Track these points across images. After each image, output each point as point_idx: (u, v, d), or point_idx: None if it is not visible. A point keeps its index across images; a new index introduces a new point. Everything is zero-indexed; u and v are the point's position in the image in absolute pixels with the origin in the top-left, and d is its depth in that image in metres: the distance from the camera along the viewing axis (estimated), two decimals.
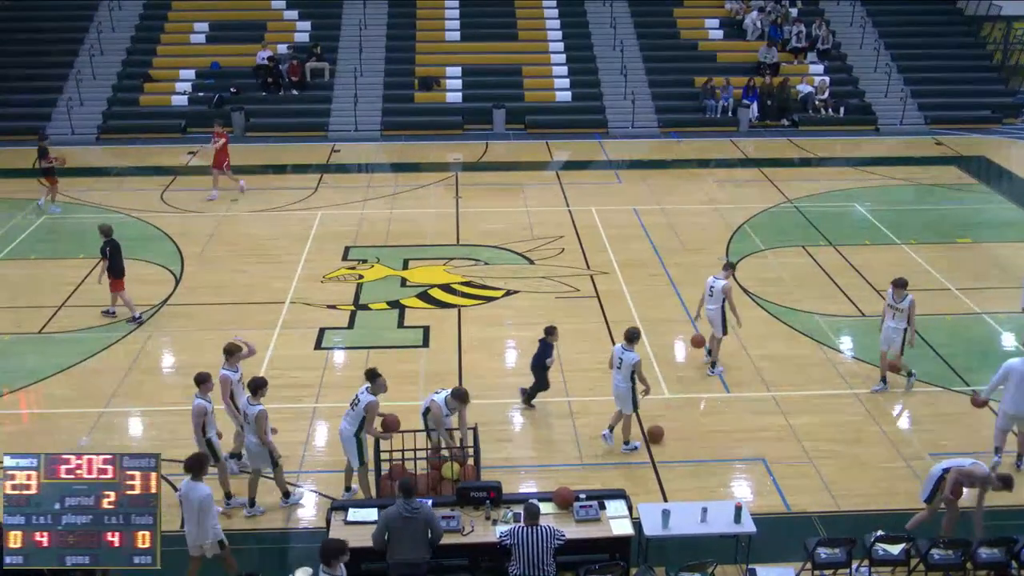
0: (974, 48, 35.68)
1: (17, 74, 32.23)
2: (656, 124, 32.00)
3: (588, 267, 20.49)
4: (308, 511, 12.75)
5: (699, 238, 22.10)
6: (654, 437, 14.05)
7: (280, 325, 17.81)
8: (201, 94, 32.01)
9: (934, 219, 23.62)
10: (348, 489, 12.85)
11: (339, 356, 16.86)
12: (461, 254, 21.22)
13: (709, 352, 16.29)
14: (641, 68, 33.75)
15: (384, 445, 12.24)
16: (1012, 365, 13.15)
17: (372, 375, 12.33)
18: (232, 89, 32.12)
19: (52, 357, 16.63)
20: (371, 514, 10.99)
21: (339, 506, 11.47)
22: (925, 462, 13.61)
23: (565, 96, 32.86)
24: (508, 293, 19.24)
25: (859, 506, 12.78)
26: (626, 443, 13.98)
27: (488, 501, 11.28)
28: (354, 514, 11.17)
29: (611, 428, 14.11)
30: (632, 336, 13.69)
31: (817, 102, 32.43)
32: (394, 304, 18.78)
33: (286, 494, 12.75)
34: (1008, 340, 17.50)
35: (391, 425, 12.47)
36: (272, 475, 12.66)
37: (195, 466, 10.72)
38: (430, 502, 10.85)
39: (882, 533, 11.17)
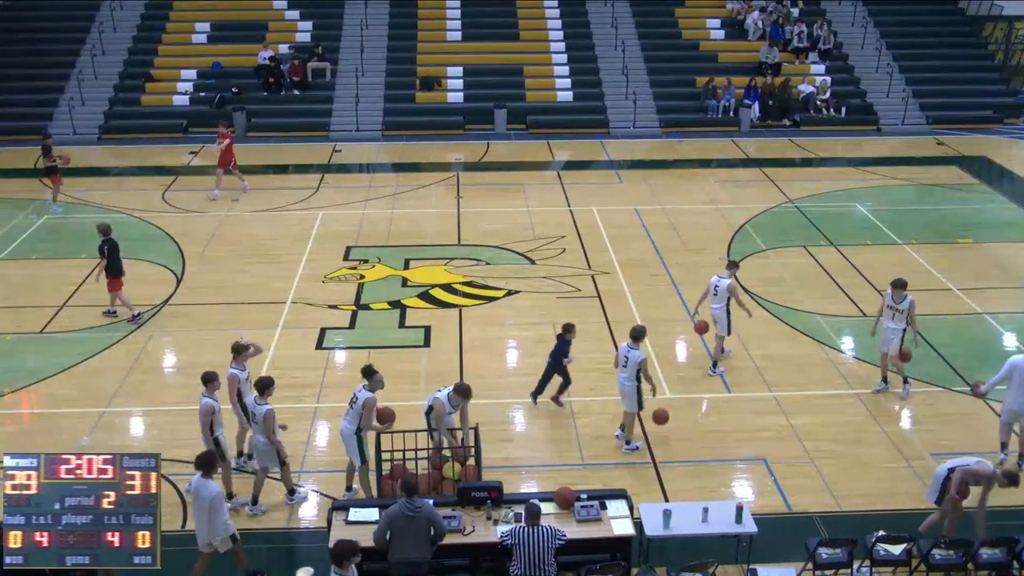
0: (975, 48, 35.66)
1: (19, 74, 32.26)
2: (657, 124, 32.00)
3: (589, 267, 20.49)
4: (309, 511, 12.75)
5: (700, 238, 22.10)
6: (658, 419, 13.96)
7: (281, 325, 17.81)
8: (203, 94, 32.03)
9: (935, 219, 23.61)
10: (349, 489, 12.86)
11: (340, 356, 16.86)
12: (462, 254, 21.22)
13: (723, 351, 16.39)
14: (642, 68, 33.74)
15: (385, 445, 12.23)
16: (1016, 362, 13.23)
17: (368, 372, 12.36)
18: (233, 89, 32.14)
19: (53, 357, 16.64)
20: (372, 514, 10.99)
21: (340, 506, 11.46)
22: (926, 462, 13.62)
23: (566, 96, 32.85)
24: (509, 293, 19.25)
25: (860, 506, 12.77)
26: (627, 443, 13.98)
27: (489, 501, 11.28)
28: (355, 514, 11.16)
29: (623, 427, 14.15)
30: (638, 334, 13.70)
31: (819, 102, 32.41)
32: (395, 304, 18.78)
33: (291, 492, 12.76)
34: (1010, 340, 17.49)
35: (386, 416, 12.48)
36: (279, 474, 12.67)
37: (206, 463, 10.78)
38: (431, 502, 10.85)
39: (883, 533, 11.17)
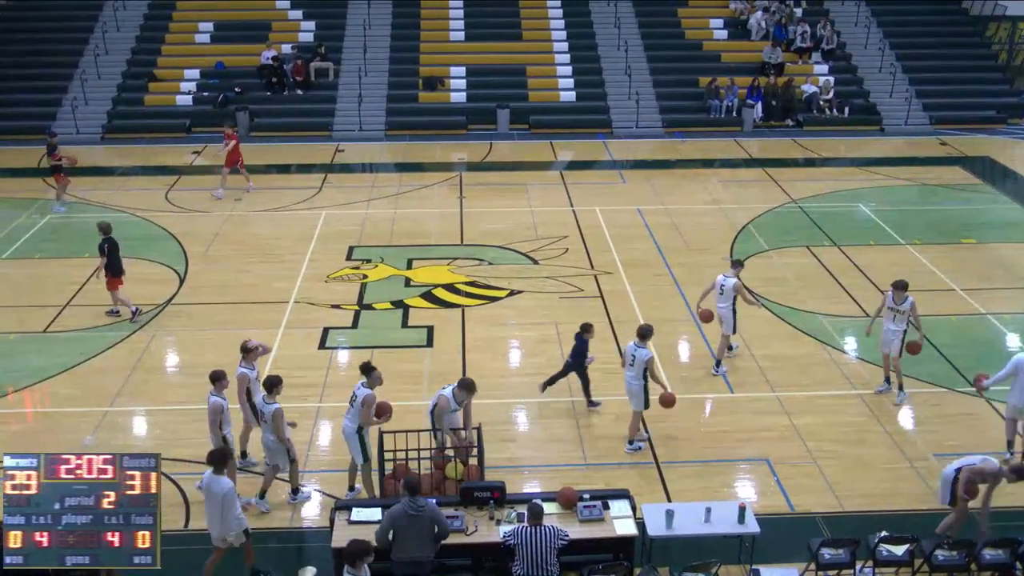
0: (979, 48, 35.61)
1: (22, 73, 32.34)
2: (660, 124, 31.99)
3: (592, 267, 20.49)
4: (312, 510, 12.76)
5: (703, 238, 22.09)
6: (665, 402, 13.91)
7: (284, 325, 17.83)
8: (206, 94, 32.04)
9: (938, 219, 23.58)
10: (352, 488, 12.87)
11: (343, 356, 16.87)
12: (465, 254, 21.22)
13: (730, 347, 16.43)
14: (645, 68, 33.74)
15: (388, 445, 12.24)
16: (1021, 360, 13.23)
17: (367, 369, 12.38)
18: (236, 89, 32.17)
19: (56, 356, 16.66)
20: (375, 514, 10.99)
21: (343, 506, 11.46)
22: (929, 463, 13.62)
23: (569, 96, 32.85)
24: (512, 293, 19.25)
25: (863, 507, 12.77)
26: (630, 443, 13.98)
27: (492, 501, 11.28)
28: (358, 514, 11.16)
29: (630, 441, 14.16)
30: (645, 333, 13.71)
31: (822, 102, 32.39)
32: (398, 304, 18.79)
33: (295, 491, 12.79)
34: (1013, 340, 17.47)
35: (383, 410, 12.49)
36: (286, 473, 12.69)
37: (218, 460, 10.84)
38: (434, 502, 10.85)
39: (886, 534, 11.16)
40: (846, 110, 32.40)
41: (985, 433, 14.30)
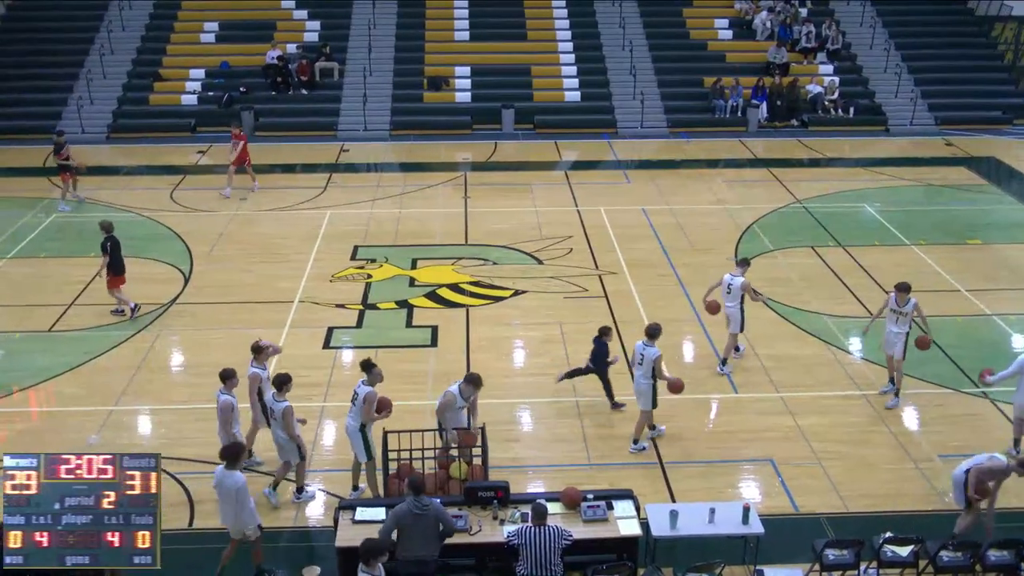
0: (985, 48, 35.55)
1: (28, 73, 32.40)
2: (665, 124, 31.97)
3: (596, 267, 20.48)
4: (316, 510, 12.77)
5: (708, 238, 22.08)
6: (674, 388, 13.89)
7: (289, 324, 17.84)
8: (211, 93, 32.08)
9: (944, 220, 23.54)
10: (356, 488, 12.88)
11: (347, 355, 16.87)
12: (469, 254, 21.23)
13: (737, 348, 16.43)
14: (650, 68, 33.72)
15: (392, 444, 12.24)
16: None
17: (367, 366, 12.39)
18: (241, 88, 32.20)
19: (61, 355, 16.69)
20: (379, 513, 10.99)
21: (347, 505, 11.47)
22: (934, 464, 13.60)
23: (574, 96, 32.84)
24: (516, 293, 19.25)
25: (867, 507, 12.75)
26: (635, 442, 13.97)
27: (496, 501, 11.27)
28: (362, 513, 11.16)
29: (652, 427, 14.22)
30: (653, 332, 13.69)
31: (827, 102, 32.35)
32: (402, 304, 18.80)
33: (300, 490, 12.80)
34: (1018, 341, 17.44)
35: (383, 405, 12.49)
36: (294, 471, 12.74)
37: (231, 455, 10.88)
38: (438, 501, 10.85)
39: (891, 535, 11.13)
40: (851, 110, 32.36)
41: (990, 434, 14.28)
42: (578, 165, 28.65)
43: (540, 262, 20.76)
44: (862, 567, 11.12)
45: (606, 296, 19.06)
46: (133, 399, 15.35)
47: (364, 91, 31.93)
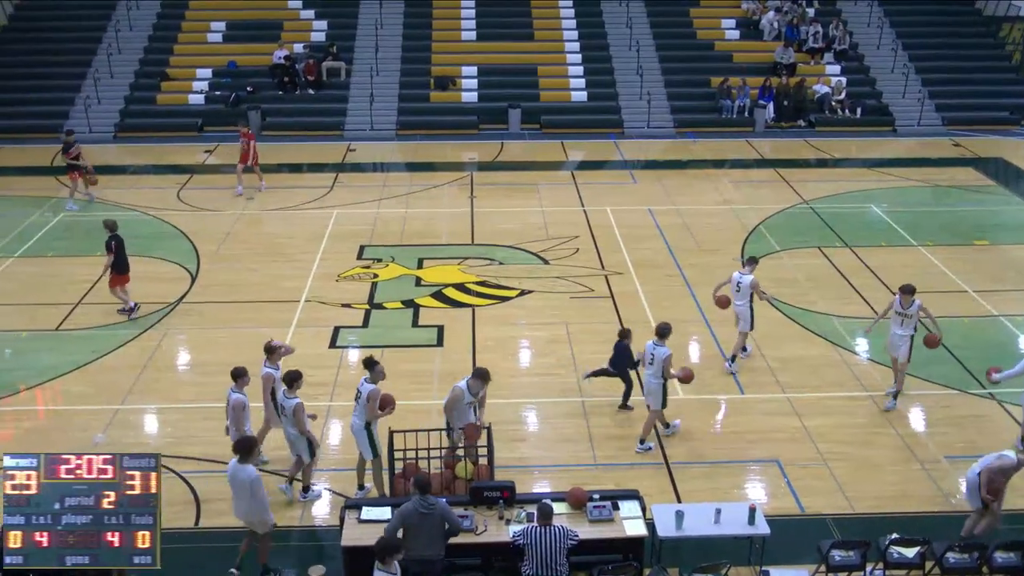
0: (992, 49, 35.49)
1: (35, 72, 32.51)
2: (672, 124, 31.96)
3: (603, 267, 20.47)
4: (322, 509, 12.78)
5: (714, 239, 22.05)
6: (684, 378, 13.97)
7: (295, 323, 17.86)
8: (218, 93, 32.15)
9: (951, 221, 23.49)
10: (361, 487, 12.89)
11: (353, 355, 16.88)
12: (476, 254, 21.23)
13: (744, 349, 16.43)
14: (657, 68, 33.71)
15: (398, 444, 12.25)
16: None
17: (370, 363, 12.38)
18: (248, 88, 32.25)
19: (68, 354, 16.73)
20: (385, 512, 11.00)
21: (353, 504, 11.49)
22: (940, 465, 13.57)
23: (581, 96, 32.85)
24: (522, 293, 19.25)
25: (873, 508, 12.72)
26: (641, 442, 13.96)
27: (501, 501, 11.28)
28: (368, 512, 11.19)
29: (667, 424, 14.25)
30: (663, 331, 13.69)
31: (834, 103, 32.32)
32: (408, 303, 18.81)
33: (306, 489, 12.81)
34: None
35: (386, 402, 12.50)
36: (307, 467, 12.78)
37: (244, 448, 10.90)
38: (443, 500, 10.85)
39: (897, 536, 11.11)
40: (858, 111, 32.32)
41: (996, 435, 14.23)
42: (584, 165, 28.64)
43: (546, 262, 20.76)
44: (868, 568, 11.11)
45: (612, 296, 19.05)
46: (139, 398, 15.38)
47: (371, 91, 31.96)
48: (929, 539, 11.10)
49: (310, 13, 35.39)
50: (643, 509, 11.40)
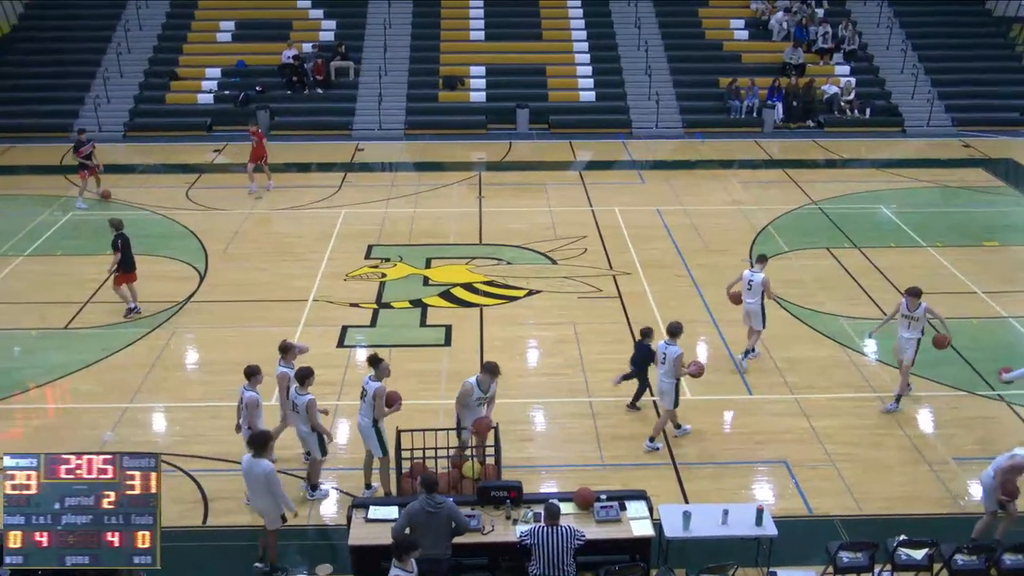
0: (1003, 49, 35.34)
1: (45, 72, 32.62)
2: (680, 124, 31.91)
3: (611, 267, 20.46)
4: (329, 508, 12.80)
5: (722, 239, 22.02)
6: (696, 375, 13.96)
7: (303, 323, 17.88)
8: (227, 92, 32.21)
9: (960, 221, 23.42)
10: (368, 487, 12.90)
11: (361, 354, 16.89)
12: (484, 253, 21.24)
13: (752, 349, 16.41)
14: (665, 68, 33.67)
15: (405, 443, 12.26)
16: None
17: (374, 360, 12.39)
18: (257, 88, 32.30)
19: (77, 353, 16.77)
20: (392, 512, 11.01)
21: (360, 503, 11.50)
22: (949, 466, 13.53)
23: (589, 96, 32.82)
24: (530, 293, 19.24)
25: (882, 510, 12.69)
26: (651, 440, 13.95)
27: (508, 500, 11.28)
28: (375, 512, 11.20)
29: (678, 426, 14.22)
30: (675, 330, 13.69)
31: (843, 103, 32.24)
32: (416, 303, 18.82)
33: (314, 487, 12.83)
34: None
35: (392, 399, 12.51)
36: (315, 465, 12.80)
37: (259, 443, 10.94)
38: (450, 500, 10.86)
39: (905, 538, 11.08)
40: (867, 111, 32.24)
41: (1005, 437, 14.16)
42: (593, 165, 28.62)
43: (554, 262, 20.75)
44: (876, 570, 11.07)
45: (620, 297, 19.04)
46: (148, 396, 15.41)
47: (379, 90, 32.00)
48: (937, 541, 11.07)
49: (319, 13, 35.43)
50: (650, 509, 11.39)
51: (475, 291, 19.31)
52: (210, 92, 32.29)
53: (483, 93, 32.84)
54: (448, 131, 31.21)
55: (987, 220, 23.55)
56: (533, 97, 32.26)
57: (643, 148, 30.11)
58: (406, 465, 12.33)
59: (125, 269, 17.93)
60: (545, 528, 10.31)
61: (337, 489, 13.11)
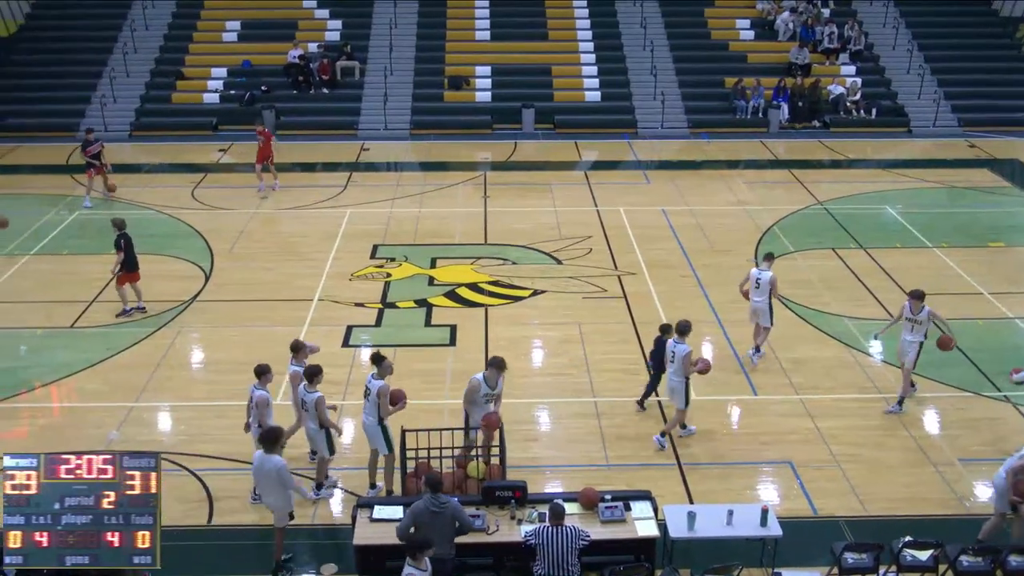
0: (1009, 50, 35.25)
1: (51, 72, 32.69)
2: (686, 124, 31.89)
3: (615, 267, 20.45)
4: (334, 507, 12.81)
5: (728, 239, 22.00)
6: (703, 371, 13.93)
7: (308, 322, 17.90)
8: (233, 92, 32.26)
9: (966, 222, 23.37)
10: (373, 486, 12.91)
11: (366, 354, 16.88)
12: (489, 253, 21.24)
13: (757, 350, 16.40)
14: (671, 68, 33.65)
15: (410, 443, 12.26)
16: None
17: (377, 359, 12.41)
18: (263, 87, 32.35)
19: (83, 352, 16.80)
20: (396, 511, 11.01)
21: (364, 503, 11.51)
22: (954, 467, 13.51)
23: (594, 96, 32.82)
24: (535, 293, 19.24)
25: (887, 511, 12.67)
26: (662, 435, 13.93)
27: (513, 500, 11.28)
28: (380, 511, 11.20)
29: (683, 426, 14.21)
30: (684, 329, 13.69)
31: (849, 103, 32.20)
32: (421, 303, 18.83)
33: (319, 486, 12.84)
34: None
35: (397, 397, 12.52)
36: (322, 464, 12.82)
37: (270, 439, 10.98)
38: (455, 500, 10.86)
39: (910, 539, 11.06)
40: (873, 111, 32.19)
41: (1011, 438, 14.12)
42: (598, 165, 28.61)
43: (559, 262, 20.75)
44: (881, 571, 11.05)
45: (625, 297, 19.03)
46: (153, 395, 15.43)
47: (385, 90, 32.01)
48: (943, 542, 11.04)
49: (324, 13, 35.46)
50: (655, 510, 11.39)
51: (480, 291, 19.31)
52: (216, 92, 32.33)
53: (488, 93, 32.84)
54: (453, 131, 31.22)
55: (993, 221, 23.50)
56: (538, 97, 32.26)
57: (648, 148, 30.09)
58: (411, 464, 12.33)
59: (128, 269, 17.96)
60: (550, 528, 10.30)
61: (342, 488, 13.11)
